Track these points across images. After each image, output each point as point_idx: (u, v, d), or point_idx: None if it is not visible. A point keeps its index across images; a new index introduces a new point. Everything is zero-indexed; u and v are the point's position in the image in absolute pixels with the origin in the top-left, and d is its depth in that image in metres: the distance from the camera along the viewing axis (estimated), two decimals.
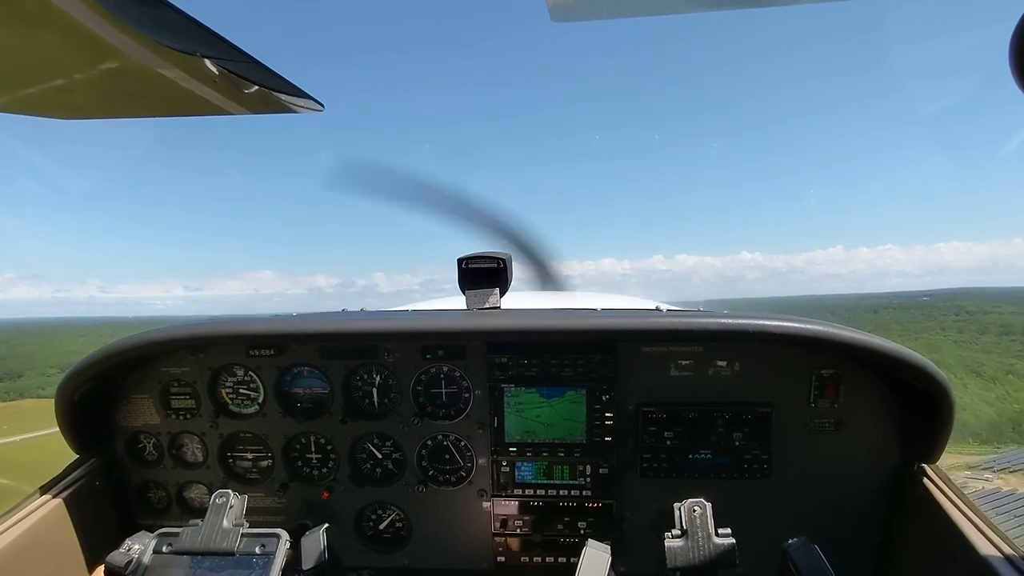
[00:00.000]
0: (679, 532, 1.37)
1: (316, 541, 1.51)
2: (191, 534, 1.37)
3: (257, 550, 1.35)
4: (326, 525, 1.56)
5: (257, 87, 1.36)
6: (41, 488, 1.77)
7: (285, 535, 1.37)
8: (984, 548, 1.37)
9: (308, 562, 1.47)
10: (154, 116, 1.37)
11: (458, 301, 2.24)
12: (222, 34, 1.05)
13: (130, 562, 1.35)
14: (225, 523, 1.38)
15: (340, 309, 2.51)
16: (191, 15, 0.99)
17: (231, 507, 1.42)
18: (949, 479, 1.64)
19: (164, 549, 1.36)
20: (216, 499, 1.43)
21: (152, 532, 1.45)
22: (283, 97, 1.44)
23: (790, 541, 1.32)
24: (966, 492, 1.57)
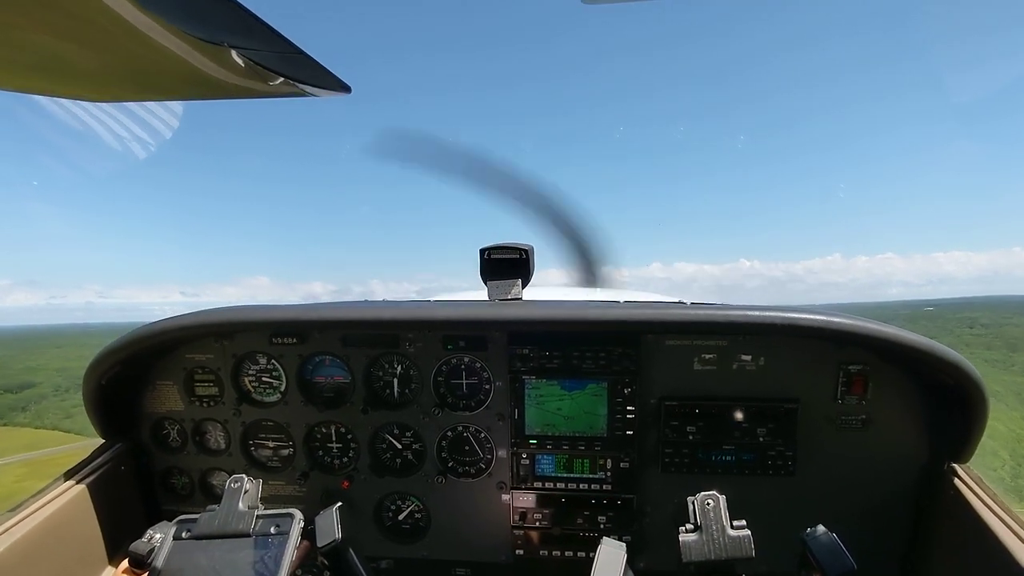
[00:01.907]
0: (693, 526, 1.35)
1: (329, 519, 1.54)
2: (208, 519, 1.40)
3: (272, 530, 1.38)
4: (339, 504, 1.59)
5: (283, 79, 1.36)
6: (67, 473, 1.80)
7: (299, 514, 1.41)
8: (1021, 552, 1.32)
9: (322, 540, 1.51)
10: (181, 99, 1.37)
11: (480, 295, 2.24)
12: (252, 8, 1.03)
13: (152, 550, 1.40)
14: (240, 506, 1.42)
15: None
16: None
17: (246, 491, 1.45)
18: (982, 480, 1.60)
19: (183, 535, 1.39)
20: (231, 484, 1.46)
21: (175, 518, 1.49)
22: (308, 88, 1.45)
23: (808, 530, 1.32)
24: None
